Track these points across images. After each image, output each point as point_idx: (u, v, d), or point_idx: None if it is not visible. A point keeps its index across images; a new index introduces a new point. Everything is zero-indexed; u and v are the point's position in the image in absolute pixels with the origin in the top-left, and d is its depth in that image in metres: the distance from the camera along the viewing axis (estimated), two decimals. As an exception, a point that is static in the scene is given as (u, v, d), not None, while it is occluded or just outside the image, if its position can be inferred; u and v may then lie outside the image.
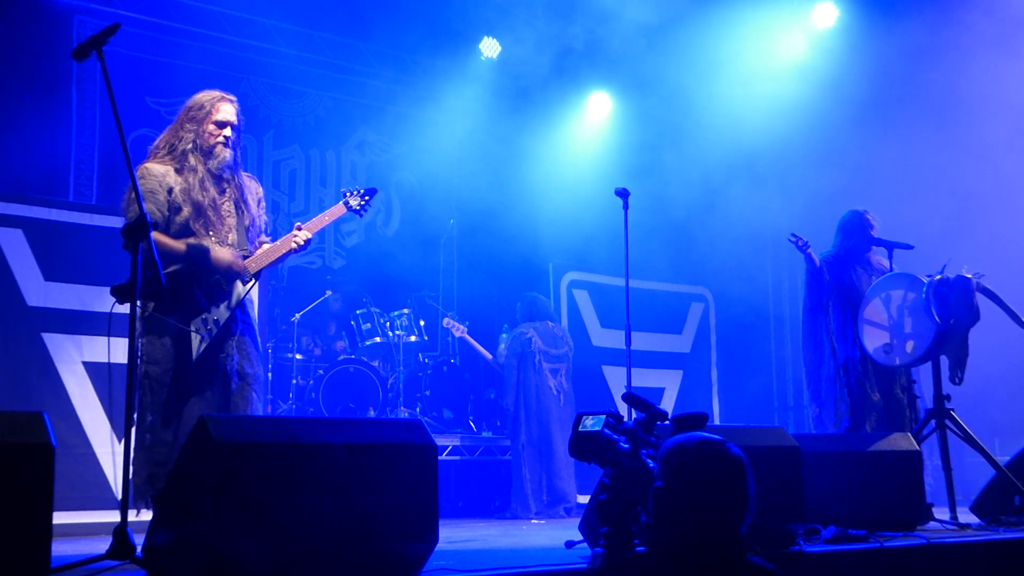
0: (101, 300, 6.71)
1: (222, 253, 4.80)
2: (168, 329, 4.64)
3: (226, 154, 4.94)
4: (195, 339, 4.68)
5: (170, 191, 4.74)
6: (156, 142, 4.96)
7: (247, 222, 5.01)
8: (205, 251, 4.75)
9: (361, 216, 5.61)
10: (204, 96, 5.03)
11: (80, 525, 6.02)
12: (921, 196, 9.29)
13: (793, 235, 7.17)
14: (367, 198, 5.49)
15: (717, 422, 10.16)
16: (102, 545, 3.78)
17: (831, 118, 9.69)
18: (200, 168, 4.84)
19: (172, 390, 4.61)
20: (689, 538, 2.79)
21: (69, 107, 9.14)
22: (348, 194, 5.47)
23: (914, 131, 9.37)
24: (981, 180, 9.11)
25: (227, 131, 4.94)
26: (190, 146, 4.86)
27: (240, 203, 4.99)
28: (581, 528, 4.68)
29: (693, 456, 2.85)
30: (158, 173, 4.76)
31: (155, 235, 4.48)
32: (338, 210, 5.40)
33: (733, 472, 2.83)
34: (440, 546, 3.80)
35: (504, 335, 9.19)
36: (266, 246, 5.03)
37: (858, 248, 7.22)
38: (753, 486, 2.85)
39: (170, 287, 4.31)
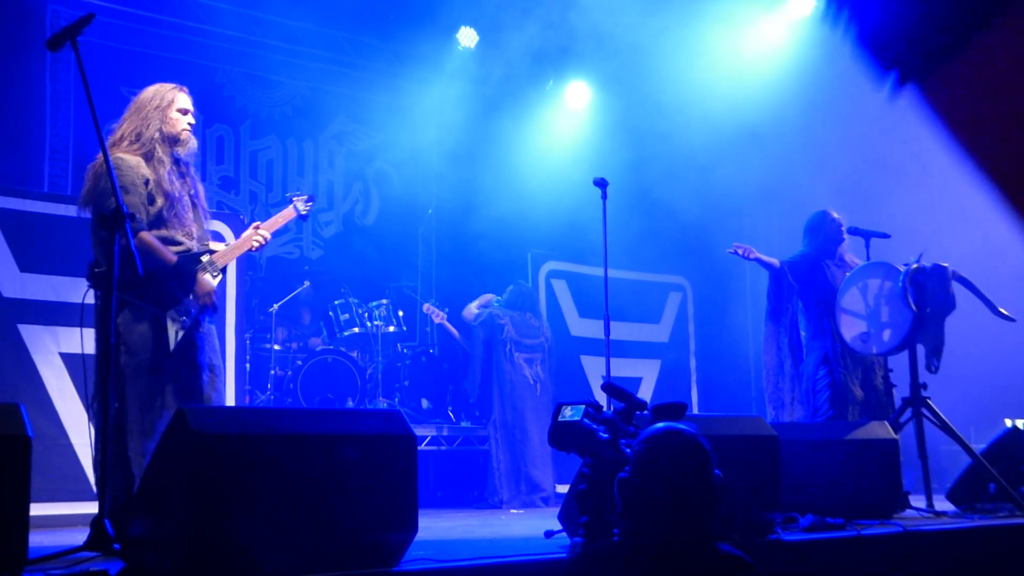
0: (77, 291, 6.63)
1: (207, 281, 4.85)
2: (146, 316, 4.63)
3: (193, 142, 5.01)
4: (171, 329, 4.67)
5: (147, 183, 4.73)
6: (118, 131, 4.90)
7: (203, 215, 5.07)
8: (192, 273, 4.78)
9: (304, 220, 5.88)
10: (162, 87, 5.02)
11: (57, 516, 5.98)
12: (899, 185, 9.33)
13: (734, 245, 7.19)
14: (310, 203, 5.72)
15: (695, 411, 10.19)
16: (80, 536, 3.76)
17: (810, 107, 9.71)
18: (167, 159, 4.85)
19: (148, 380, 4.60)
20: (656, 528, 2.80)
21: (43, 98, 9.07)
22: (295, 198, 5.67)
23: (892, 119, 9.41)
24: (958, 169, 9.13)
25: (190, 118, 4.98)
26: (157, 134, 4.85)
27: (196, 195, 5.01)
28: (560, 518, 4.70)
29: (651, 445, 2.87)
30: (132, 164, 4.74)
31: (147, 239, 4.53)
32: (289, 213, 5.61)
33: (694, 462, 2.83)
34: (420, 536, 3.81)
35: (485, 295, 9.12)
36: (229, 244, 5.11)
37: (827, 246, 7.26)
38: (719, 476, 2.85)
39: (146, 277, 4.29)
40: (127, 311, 4.63)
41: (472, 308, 8.99)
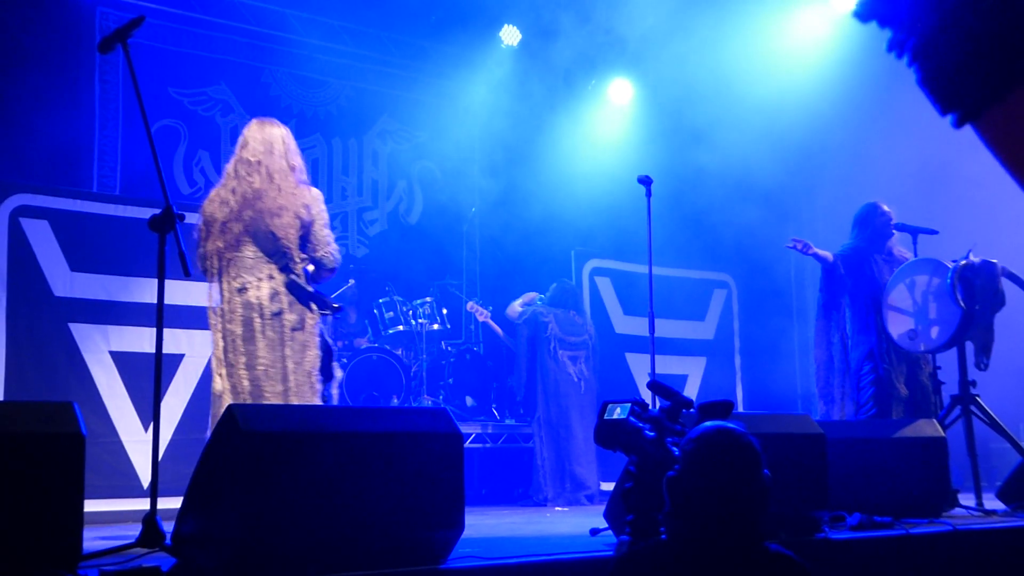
0: (126, 290, 6.78)
1: None
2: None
3: None
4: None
5: None
6: (293, 162, 5.41)
7: None
8: None
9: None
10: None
11: (108, 513, 6.07)
12: (947, 182, 9.22)
13: (792, 240, 7.15)
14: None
15: (741, 409, 10.14)
16: (131, 532, 3.82)
17: (854, 101, 9.62)
18: None
19: None
20: (704, 527, 2.79)
21: (92, 99, 9.19)
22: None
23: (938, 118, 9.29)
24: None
25: None
26: None
27: None
28: (606, 516, 4.70)
29: (702, 444, 2.86)
30: None
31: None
32: None
33: (744, 461, 2.82)
34: (466, 533, 3.82)
35: (528, 293, 9.14)
36: None
37: (876, 239, 7.17)
38: (768, 475, 2.84)
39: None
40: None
41: (516, 306, 9.00)
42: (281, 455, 3.39)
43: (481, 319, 9.93)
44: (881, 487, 5.46)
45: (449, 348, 10.29)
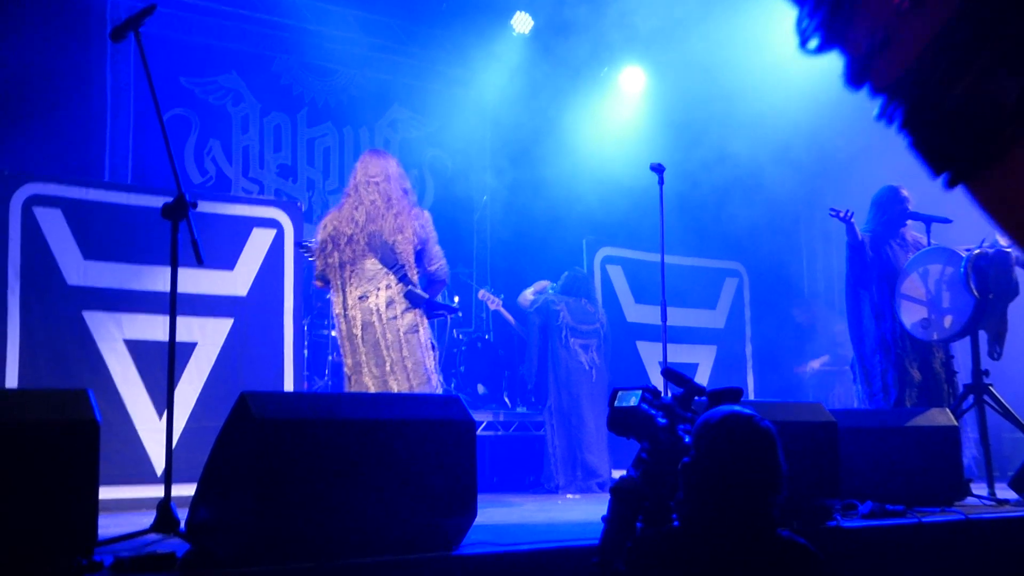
0: (139, 278, 6.80)
1: None
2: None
3: None
4: None
5: None
6: (404, 186, 6.29)
7: None
8: None
9: None
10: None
11: (123, 500, 6.09)
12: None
13: (833, 209, 7.10)
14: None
15: (752, 398, 10.13)
16: (145, 519, 3.84)
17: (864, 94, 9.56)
18: None
19: None
20: (718, 513, 2.78)
21: (104, 88, 9.21)
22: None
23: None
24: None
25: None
26: None
27: None
28: (618, 503, 4.70)
29: (720, 430, 2.85)
30: None
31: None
32: None
33: (762, 446, 2.81)
34: (478, 520, 3.83)
35: (540, 282, 9.14)
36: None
37: (893, 224, 7.13)
38: (784, 461, 2.83)
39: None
40: None
41: (527, 295, 9.00)
42: (294, 442, 3.41)
43: (493, 307, 9.94)
44: (893, 476, 5.45)
45: (461, 336, 10.30)
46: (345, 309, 5.96)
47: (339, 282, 6.00)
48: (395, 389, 5.75)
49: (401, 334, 5.89)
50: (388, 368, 5.80)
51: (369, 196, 6.10)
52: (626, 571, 2.86)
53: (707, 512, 2.80)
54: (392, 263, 5.98)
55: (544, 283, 9.04)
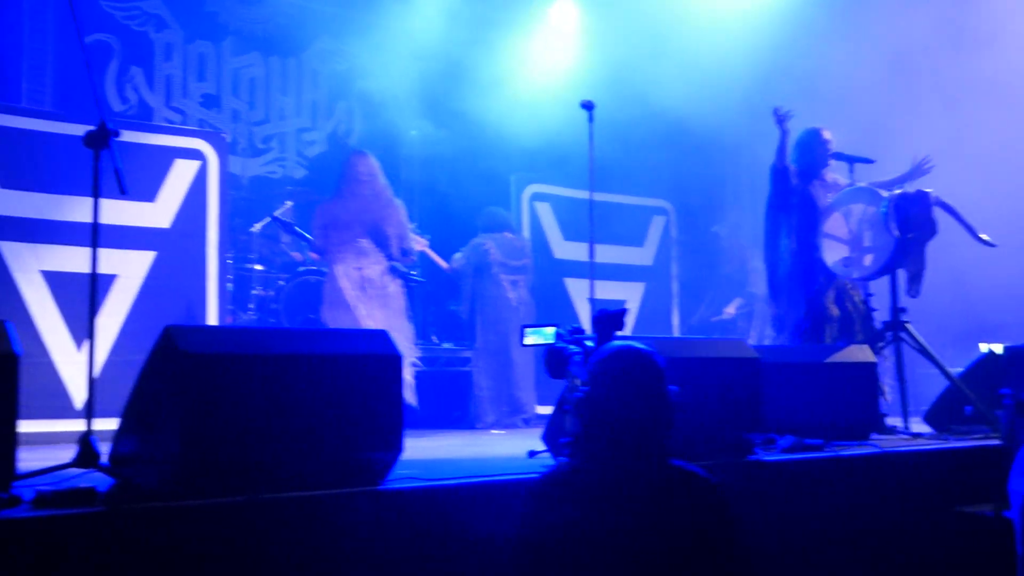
0: (59, 208, 6.63)
1: None
2: None
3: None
4: None
5: None
6: (384, 182, 8.00)
7: None
8: None
9: None
10: None
11: (40, 434, 5.99)
12: (890, 108, 9.30)
13: (776, 108, 6.98)
14: None
15: (676, 334, 10.26)
16: (64, 454, 3.78)
17: (802, 33, 9.63)
18: None
19: None
20: (612, 447, 2.83)
21: (19, 11, 8.89)
22: None
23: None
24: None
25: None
26: None
27: None
28: (544, 438, 4.75)
29: (610, 364, 2.89)
30: None
31: None
32: None
33: (648, 377, 2.86)
34: (405, 455, 3.84)
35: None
36: None
37: (815, 165, 7.13)
38: (676, 392, 2.89)
39: None
40: None
41: (456, 257, 8.95)
42: (220, 377, 3.37)
43: (418, 248, 9.86)
44: (813, 411, 5.56)
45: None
46: (347, 277, 7.71)
47: (340, 257, 7.74)
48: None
49: (388, 297, 7.84)
50: (382, 320, 7.59)
51: (362, 190, 7.79)
52: (528, 510, 2.88)
53: (601, 445, 2.85)
54: (380, 243, 7.83)
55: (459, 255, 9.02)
